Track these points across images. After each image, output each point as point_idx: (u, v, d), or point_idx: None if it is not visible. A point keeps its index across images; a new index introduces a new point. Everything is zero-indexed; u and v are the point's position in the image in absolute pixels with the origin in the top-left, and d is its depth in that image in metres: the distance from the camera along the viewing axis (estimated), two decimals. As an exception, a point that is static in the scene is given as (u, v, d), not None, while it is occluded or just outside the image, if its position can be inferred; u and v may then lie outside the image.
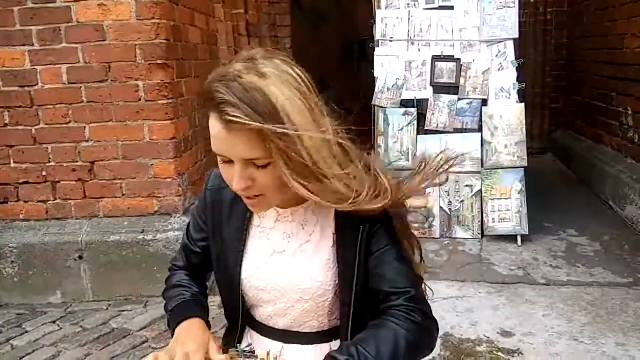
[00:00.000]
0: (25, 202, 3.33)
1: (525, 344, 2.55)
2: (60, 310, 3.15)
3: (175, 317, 1.12)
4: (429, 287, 1.17)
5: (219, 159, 0.97)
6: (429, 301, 1.05)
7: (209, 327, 1.13)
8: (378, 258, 1.02)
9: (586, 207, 4.42)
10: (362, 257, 1.02)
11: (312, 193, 0.92)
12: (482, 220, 3.83)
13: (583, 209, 4.37)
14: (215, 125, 0.91)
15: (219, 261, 1.14)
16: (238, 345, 1.16)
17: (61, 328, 2.96)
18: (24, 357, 2.70)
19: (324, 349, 1.09)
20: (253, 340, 1.17)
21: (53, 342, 2.82)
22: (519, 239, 3.71)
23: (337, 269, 1.04)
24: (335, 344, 1.10)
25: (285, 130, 0.87)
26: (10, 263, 3.22)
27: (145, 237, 3.20)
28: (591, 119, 5.26)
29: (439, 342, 2.57)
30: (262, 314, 1.13)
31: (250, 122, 0.86)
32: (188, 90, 3.50)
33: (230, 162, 0.94)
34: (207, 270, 1.23)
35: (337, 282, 1.05)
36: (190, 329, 1.07)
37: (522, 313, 2.84)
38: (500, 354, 2.49)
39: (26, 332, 2.94)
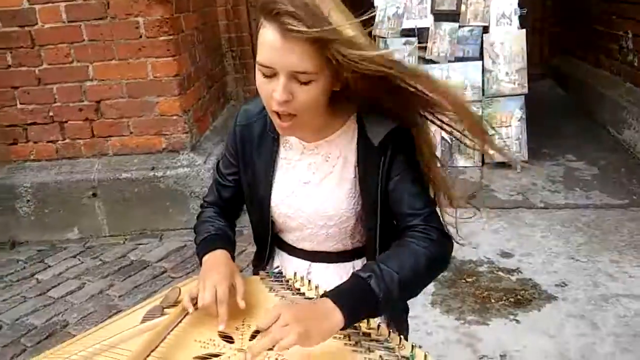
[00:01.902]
0: (35, 142, 3.39)
1: (524, 263, 2.70)
2: (79, 245, 3.29)
3: (201, 250, 1.21)
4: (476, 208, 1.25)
5: (259, 74, 1.01)
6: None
7: (233, 258, 1.21)
8: (396, 183, 1.10)
9: (585, 132, 4.49)
10: (384, 184, 1.10)
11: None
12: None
13: (581, 134, 4.44)
14: (271, 34, 0.95)
15: (250, 191, 1.23)
16: (267, 267, 1.26)
17: (82, 262, 3.10)
18: (50, 289, 2.85)
19: (348, 267, 1.19)
20: (282, 259, 1.27)
21: (76, 275, 2.96)
22: (519, 165, 3.81)
23: (359, 198, 1.13)
24: (358, 263, 1.21)
25: (340, 39, 0.93)
26: (25, 202, 3.32)
27: (156, 173, 3.29)
28: (590, 43, 5.23)
29: (442, 264, 2.73)
30: (290, 238, 1.23)
31: (310, 31, 0.91)
32: (187, 25, 3.49)
33: (271, 77, 0.99)
34: (238, 204, 1.31)
35: (359, 209, 1.13)
36: (215, 261, 1.15)
37: (522, 235, 2.98)
38: (500, 272, 2.64)
39: (49, 266, 3.08)
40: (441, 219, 1.15)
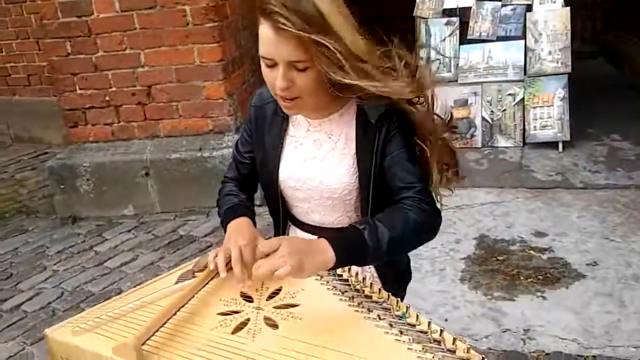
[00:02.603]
0: (93, 125, 3.65)
1: (557, 242, 2.73)
2: (134, 221, 3.54)
3: (226, 218, 1.35)
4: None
5: (263, 64, 1.14)
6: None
7: (255, 225, 1.35)
8: (392, 159, 1.19)
9: (634, 111, 4.37)
10: (378, 160, 1.20)
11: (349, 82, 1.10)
12: (524, 129, 3.91)
13: (630, 113, 4.33)
14: (266, 30, 1.07)
15: (261, 167, 1.35)
16: (287, 233, 1.40)
17: (136, 236, 3.34)
18: (106, 260, 3.10)
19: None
20: (295, 234, 1.40)
21: (130, 247, 3.21)
22: (560, 145, 3.78)
23: (358, 172, 1.23)
24: None
25: (325, 40, 1.04)
26: (85, 180, 3.60)
27: (203, 154, 3.48)
28: (646, 18, 5.05)
29: (473, 242, 2.81)
30: (299, 211, 1.35)
31: (299, 32, 1.03)
32: (232, 12, 3.63)
33: (273, 66, 1.11)
34: (255, 179, 1.44)
35: (359, 183, 1.24)
36: (239, 227, 1.29)
37: (557, 215, 3.00)
38: (531, 251, 2.69)
39: (106, 239, 3.35)
40: (433, 194, 1.23)
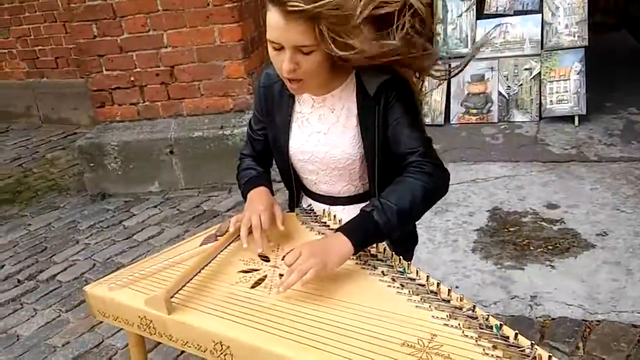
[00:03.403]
0: (119, 105, 3.79)
1: (568, 214, 2.80)
2: (159, 197, 3.69)
3: (246, 188, 1.46)
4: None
5: (270, 48, 1.22)
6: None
7: (272, 194, 1.46)
8: (394, 127, 1.28)
9: (653, 84, 4.37)
10: (381, 129, 1.29)
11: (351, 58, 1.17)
12: (540, 103, 3.94)
13: (649, 86, 4.32)
14: (275, 16, 1.15)
15: (274, 142, 1.46)
16: (301, 204, 1.51)
17: (162, 211, 3.50)
18: (134, 234, 3.26)
19: (358, 209, 1.40)
20: (308, 203, 1.51)
21: (157, 222, 3.36)
22: (576, 119, 3.81)
23: (362, 143, 1.33)
24: None
25: (337, 12, 1.09)
26: (113, 159, 3.75)
27: (224, 132, 3.60)
28: (669, -11, 4.98)
29: (486, 214, 2.90)
30: (309, 181, 1.46)
31: (308, 7, 1.09)
32: (251, -8, 3.71)
33: (280, 49, 1.20)
34: (269, 154, 1.55)
35: (362, 153, 1.34)
36: (259, 195, 1.41)
37: (570, 188, 3.06)
38: (543, 223, 2.76)
39: (133, 215, 3.51)
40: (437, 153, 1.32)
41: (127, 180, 3.79)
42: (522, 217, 2.84)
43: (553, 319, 2.12)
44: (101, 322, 2.45)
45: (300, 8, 1.09)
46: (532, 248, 2.57)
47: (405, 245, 1.47)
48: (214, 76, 3.61)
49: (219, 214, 3.36)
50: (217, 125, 3.65)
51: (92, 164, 3.80)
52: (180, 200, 3.61)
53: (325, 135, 1.36)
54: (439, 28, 4.20)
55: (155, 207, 3.57)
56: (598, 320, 2.09)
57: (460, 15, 4.14)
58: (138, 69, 3.67)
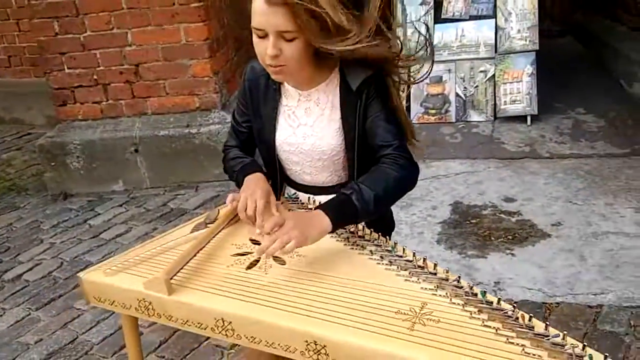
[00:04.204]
0: (82, 103, 3.74)
1: (525, 207, 2.97)
2: (124, 196, 3.67)
3: (242, 173, 1.50)
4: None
5: (254, 36, 1.28)
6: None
7: (268, 180, 1.52)
8: (372, 121, 1.36)
9: (597, 86, 4.63)
10: (361, 123, 1.37)
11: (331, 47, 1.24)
12: (495, 103, 4.13)
13: (594, 88, 4.59)
14: (258, 3, 1.21)
15: (259, 134, 1.52)
16: (286, 192, 1.57)
17: (128, 210, 3.48)
18: (101, 232, 3.24)
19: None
20: (291, 192, 1.57)
21: (123, 220, 3.35)
22: (529, 118, 4.02)
23: (344, 135, 1.41)
24: None
25: (313, 6, 1.17)
26: (75, 157, 3.71)
27: (190, 130, 3.62)
28: (610, -2, 5.30)
29: (449, 208, 3.03)
30: (293, 172, 1.52)
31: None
32: (216, -8, 3.75)
33: (264, 37, 1.26)
34: (252, 145, 1.60)
35: (345, 144, 1.42)
36: (256, 180, 1.46)
37: (525, 182, 3.23)
38: (502, 215, 2.92)
39: (99, 214, 3.48)
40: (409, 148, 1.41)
41: (90, 180, 3.75)
42: (482, 210, 2.99)
43: (516, 302, 2.24)
44: (74, 318, 2.47)
45: None
46: (493, 238, 2.71)
47: (384, 229, 1.56)
48: (180, 75, 3.62)
49: (187, 211, 3.38)
50: (183, 123, 3.66)
51: (53, 164, 3.74)
52: (146, 199, 3.60)
53: (312, 128, 1.42)
54: (399, 31, 4.33)
55: (121, 206, 3.55)
56: (557, 303, 2.24)
57: (419, 19, 4.29)
58: (101, 67, 3.64)
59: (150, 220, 3.31)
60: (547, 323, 0.97)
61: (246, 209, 1.37)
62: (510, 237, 2.71)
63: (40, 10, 3.51)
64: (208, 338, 2.24)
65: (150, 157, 3.67)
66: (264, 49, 1.27)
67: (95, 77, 3.66)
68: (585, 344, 0.92)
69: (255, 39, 1.29)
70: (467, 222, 2.89)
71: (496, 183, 3.27)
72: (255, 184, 1.44)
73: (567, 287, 2.32)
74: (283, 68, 1.30)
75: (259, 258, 1.29)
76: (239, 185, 1.50)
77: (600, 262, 2.46)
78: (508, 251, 2.60)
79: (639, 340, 2.03)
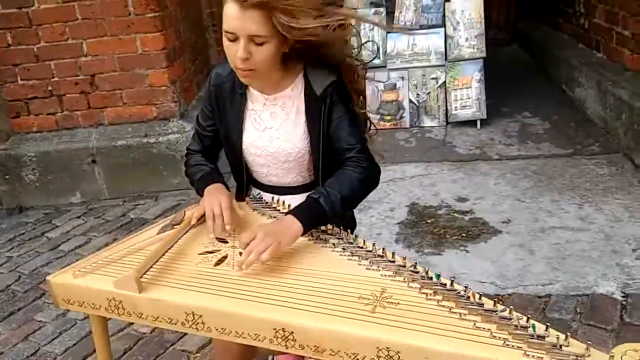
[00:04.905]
0: (36, 115, 3.69)
1: (477, 206, 3.10)
2: (82, 207, 3.63)
3: (202, 183, 1.56)
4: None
5: (225, 39, 1.33)
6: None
7: (228, 189, 1.57)
8: (336, 125, 1.44)
9: (542, 91, 4.88)
10: (325, 126, 1.45)
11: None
12: (447, 109, 4.29)
13: (539, 93, 4.82)
14: (232, 7, 1.27)
15: (226, 138, 1.57)
16: (251, 194, 1.63)
17: (86, 221, 3.45)
18: (60, 244, 3.20)
19: (304, 197, 1.55)
20: (255, 193, 1.63)
21: (82, 232, 3.31)
22: (478, 123, 4.20)
23: (309, 138, 1.48)
24: None
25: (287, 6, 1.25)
26: (31, 170, 3.65)
27: (149, 140, 3.62)
28: (551, 7, 5.58)
29: (405, 209, 3.14)
30: (260, 174, 1.58)
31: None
32: (171, 2, 3.77)
33: (234, 41, 1.31)
34: (216, 149, 1.66)
35: (310, 147, 1.49)
36: (217, 188, 1.51)
37: (477, 183, 3.38)
38: (455, 214, 3.04)
39: (56, 226, 3.43)
40: (370, 151, 1.50)
41: (46, 192, 3.69)
42: (437, 210, 3.12)
43: (470, 295, 2.36)
44: (35, 331, 2.44)
45: (256, 1, 1.23)
46: (447, 236, 2.83)
47: (347, 227, 1.63)
48: (137, 85, 3.62)
49: (147, 221, 3.37)
50: (141, 133, 3.66)
51: (7, 177, 3.66)
52: (105, 210, 3.58)
53: (277, 131, 1.49)
54: (353, 40, 4.46)
55: (79, 217, 3.51)
56: (509, 294, 2.36)
57: (372, 29, 4.42)
58: (56, 78, 3.61)
59: (111, 231, 3.29)
60: (511, 307, 1.05)
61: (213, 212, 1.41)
62: (464, 234, 2.83)
63: (-9, 21, 3.46)
64: (173, 344, 2.26)
65: (108, 168, 3.65)
66: (234, 52, 1.32)
67: (49, 88, 3.62)
68: (529, 316, 1.01)
69: (225, 42, 1.35)
70: (423, 222, 3.00)
71: (449, 184, 3.41)
72: (216, 192, 1.48)
73: (518, 279, 2.45)
74: (252, 72, 1.35)
75: (226, 255, 1.34)
76: (199, 193, 1.55)
77: (548, 255, 2.61)
78: (462, 248, 2.72)
79: (585, 325, 2.16)
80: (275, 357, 1.87)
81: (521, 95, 4.77)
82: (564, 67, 4.81)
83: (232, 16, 1.28)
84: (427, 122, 4.34)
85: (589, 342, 0.94)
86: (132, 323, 2.26)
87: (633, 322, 2.14)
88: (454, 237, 2.81)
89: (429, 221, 3.00)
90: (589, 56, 4.45)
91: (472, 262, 2.59)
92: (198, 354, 2.20)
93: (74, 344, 2.33)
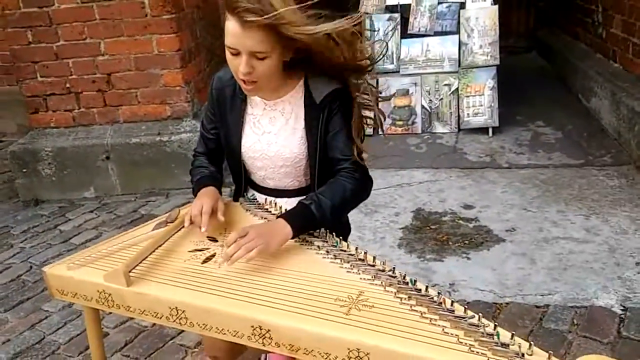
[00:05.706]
0: (54, 111, 3.79)
1: (482, 213, 3.10)
2: (95, 202, 3.72)
3: (196, 187, 1.61)
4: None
5: (227, 53, 1.37)
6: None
7: (220, 192, 1.61)
8: (333, 135, 1.48)
9: (557, 100, 4.84)
10: (322, 135, 1.48)
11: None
12: (459, 116, 4.29)
13: (554, 102, 4.79)
14: (233, 25, 1.31)
15: (226, 141, 1.62)
16: (245, 195, 1.67)
17: (98, 216, 3.53)
18: (71, 237, 3.28)
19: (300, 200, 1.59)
20: (254, 196, 1.67)
21: (94, 226, 3.40)
22: (490, 130, 4.19)
23: (307, 144, 1.52)
24: None
25: (284, 23, 1.28)
26: (47, 164, 3.75)
27: (162, 138, 3.69)
28: (570, 16, 5.54)
29: (411, 214, 3.15)
30: (257, 177, 1.62)
31: (261, 20, 1.26)
32: (188, 4, 3.84)
33: (237, 55, 1.35)
34: (221, 151, 1.70)
35: (307, 153, 1.52)
36: (206, 192, 1.55)
37: (484, 191, 3.38)
38: (460, 221, 3.05)
39: (69, 219, 3.52)
40: (364, 163, 1.52)
41: (61, 186, 3.79)
42: (442, 216, 3.12)
43: (468, 302, 2.37)
44: (42, 320, 2.51)
45: (254, 20, 1.26)
46: (450, 243, 2.84)
47: (340, 233, 1.66)
48: (152, 84, 3.70)
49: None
50: (155, 132, 3.73)
51: (24, 170, 3.77)
52: (117, 205, 3.66)
53: (276, 136, 1.53)
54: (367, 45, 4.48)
55: (92, 212, 3.60)
56: (507, 303, 2.37)
57: (387, 34, 4.45)
58: (74, 76, 3.70)
59: (121, 226, 3.36)
60: (480, 315, 1.06)
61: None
62: (467, 242, 2.84)
63: (13, 20, 3.56)
64: (173, 338, 2.31)
65: (121, 164, 3.73)
66: (237, 65, 1.36)
67: (67, 85, 3.72)
68: (497, 324, 1.03)
69: (228, 55, 1.39)
70: (427, 227, 3.01)
71: (457, 191, 3.41)
72: (204, 195, 1.52)
73: (517, 288, 2.45)
74: (255, 84, 1.40)
75: (214, 254, 1.38)
76: (194, 194, 1.59)
77: (549, 265, 2.60)
78: (464, 255, 2.73)
79: (581, 337, 2.16)
80: (267, 356, 1.90)
81: (536, 104, 4.74)
82: (581, 76, 4.77)
83: (234, 33, 1.32)
84: (439, 129, 4.34)
85: (550, 352, 0.95)
86: (134, 317, 2.32)
87: (630, 335, 2.13)
88: (457, 244, 2.82)
89: (433, 227, 3.01)
90: (606, 66, 4.41)
91: (472, 270, 2.60)
92: (196, 349, 2.25)
93: (78, 334, 2.40)
